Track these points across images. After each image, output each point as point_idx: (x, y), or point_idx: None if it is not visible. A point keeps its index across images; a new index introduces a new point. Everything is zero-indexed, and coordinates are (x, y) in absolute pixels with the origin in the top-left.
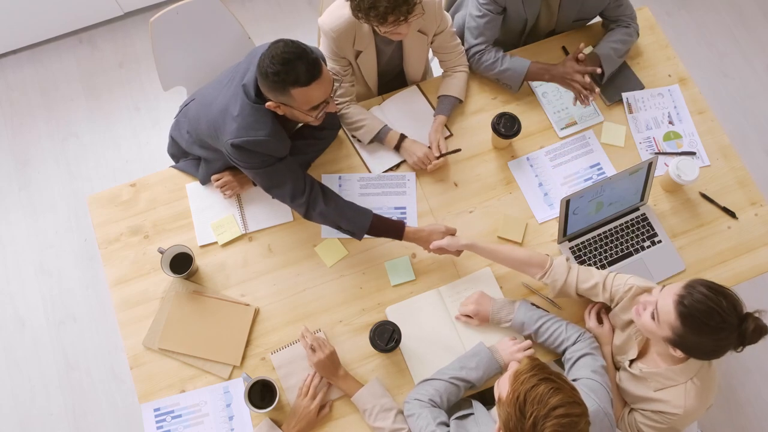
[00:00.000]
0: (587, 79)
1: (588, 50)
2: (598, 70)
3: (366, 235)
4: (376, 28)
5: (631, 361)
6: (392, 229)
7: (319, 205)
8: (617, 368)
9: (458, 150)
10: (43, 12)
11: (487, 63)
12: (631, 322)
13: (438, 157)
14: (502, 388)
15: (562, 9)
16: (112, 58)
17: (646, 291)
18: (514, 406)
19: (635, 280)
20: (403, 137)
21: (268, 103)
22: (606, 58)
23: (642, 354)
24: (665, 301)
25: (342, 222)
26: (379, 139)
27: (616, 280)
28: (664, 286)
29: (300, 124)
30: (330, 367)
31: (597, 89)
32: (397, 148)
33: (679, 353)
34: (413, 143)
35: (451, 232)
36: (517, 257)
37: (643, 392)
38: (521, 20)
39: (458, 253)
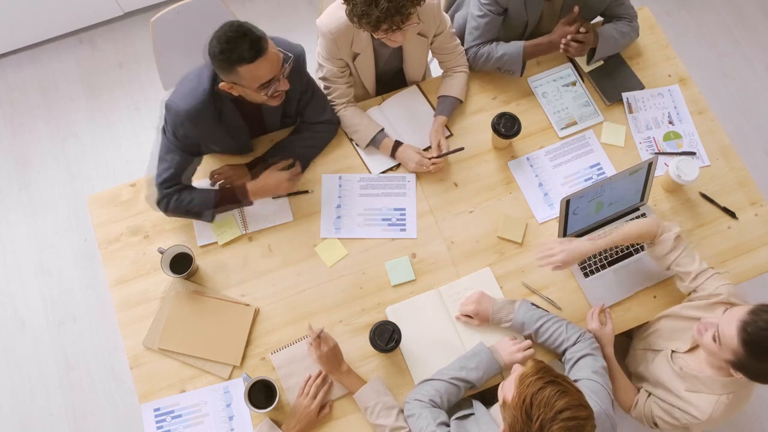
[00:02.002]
0: (578, 36)
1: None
2: (583, 30)
3: (217, 215)
4: (370, 33)
5: (673, 352)
6: (237, 195)
7: (173, 201)
8: (651, 350)
9: (461, 149)
10: (43, 12)
11: (483, 56)
12: (695, 318)
13: (438, 157)
14: (507, 391)
15: (565, 10)
16: (112, 58)
17: (728, 305)
18: (521, 409)
19: (727, 289)
20: (397, 144)
21: (221, 84)
22: (604, 39)
23: (690, 349)
24: (728, 326)
25: (191, 206)
26: (374, 144)
27: (710, 280)
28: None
29: (297, 124)
30: (333, 361)
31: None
32: (393, 154)
33: (740, 376)
34: (407, 149)
35: (295, 173)
36: (630, 234)
37: (673, 386)
38: (522, 21)
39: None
